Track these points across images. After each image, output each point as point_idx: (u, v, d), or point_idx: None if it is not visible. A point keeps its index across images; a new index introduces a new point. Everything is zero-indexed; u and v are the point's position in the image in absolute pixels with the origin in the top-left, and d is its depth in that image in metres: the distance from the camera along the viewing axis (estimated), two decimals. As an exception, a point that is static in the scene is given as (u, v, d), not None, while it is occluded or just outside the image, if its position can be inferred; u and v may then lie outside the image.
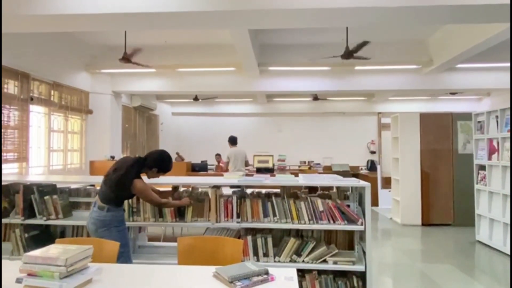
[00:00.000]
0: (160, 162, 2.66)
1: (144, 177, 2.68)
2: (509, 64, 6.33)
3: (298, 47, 6.98)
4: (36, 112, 6.00)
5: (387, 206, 7.58)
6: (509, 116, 4.47)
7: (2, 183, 3.15)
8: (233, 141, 6.82)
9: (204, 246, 2.20)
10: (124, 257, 2.38)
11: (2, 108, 5.10)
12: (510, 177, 4.41)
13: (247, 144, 8.48)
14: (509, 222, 4.45)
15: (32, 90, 5.78)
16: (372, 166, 9.65)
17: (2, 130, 5.08)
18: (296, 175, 3.53)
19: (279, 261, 2.76)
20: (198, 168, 8.30)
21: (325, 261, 2.71)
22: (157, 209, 2.95)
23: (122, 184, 2.51)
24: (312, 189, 3.16)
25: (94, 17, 3.67)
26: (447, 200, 6.24)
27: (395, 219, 6.67)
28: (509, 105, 4.52)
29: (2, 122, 5.08)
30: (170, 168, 2.71)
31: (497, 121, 4.73)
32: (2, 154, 5.07)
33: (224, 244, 2.18)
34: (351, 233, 2.93)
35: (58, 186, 3.22)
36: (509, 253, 4.43)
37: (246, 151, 6.91)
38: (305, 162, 10.39)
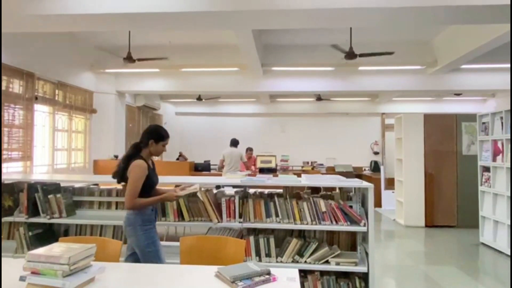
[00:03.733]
0: (153, 131, 2.56)
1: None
2: (513, 65, 6.29)
3: (301, 47, 6.97)
4: (41, 111, 6.04)
5: (390, 207, 7.55)
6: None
7: (7, 182, 3.18)
8: (231, 142, 6.99)
9: (206, 246, 2.20)
10: (151, 256, 2.32)
11: (7, 107, 5.14)
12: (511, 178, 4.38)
13: (250, 144, 8.48)
14: (513, 224, 4.42)
15: (37, 90, 5.82)
16: (375, 167, 9.61)
17: (7, 129, 5.12)
18: (299, 175, 3.53)
19: (281, 262, 2.76)
20: (201, 168, 8.32)
21: (327, 262, 2.70)
22: (160, 208, 2.96)
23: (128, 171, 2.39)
24: (315, 190, 3.15)
25: (98, 17, 3.69)
26: (451, 202, 6.20)
27: (398, 221, 6.64)
28: (514, 107, 4.50)
29: (7, 121, 5.12)
30: (166, 133, 2.59)
31: (502, 122, 4.69)
32: (7, 153, 5.11)
33: (226, 244, 2.19)
34: (353, 234, 2.92)
35: (62, 185, 3.24)
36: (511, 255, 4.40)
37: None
38: (308, 163, 10.38)
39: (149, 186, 2.45)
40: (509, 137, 4.53)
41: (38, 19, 3.76)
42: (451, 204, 6.20)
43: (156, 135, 2.55)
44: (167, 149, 2.65)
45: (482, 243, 5.08)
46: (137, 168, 2.39)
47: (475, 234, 5.30)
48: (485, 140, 5.12)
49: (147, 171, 2.43)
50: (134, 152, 2.49)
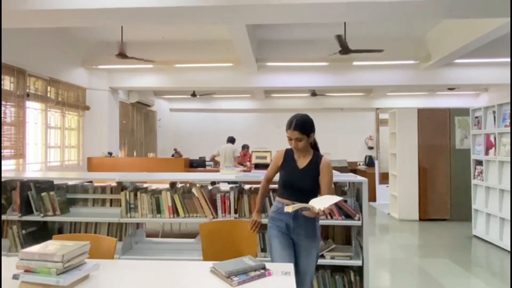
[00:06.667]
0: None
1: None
2: (507, 59, 6.33)
3: (296, 42, 6.95)
4: (33, 109, 5.96)
5: (384, 201, 7.61)
6: (508, 111, 4.47)
7: (-1, 180, 3.14)
8: (228, 139, 7.08)
9: (225, 230, 2.40)
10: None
11: (-2, 105, 5.07)
12: (511, 171, 4.40)
13: (245, 140, 8.49)
14: (505, 217, 4.47)
15: (29, 86, 5.74)
16: (370, 162, 9.67)
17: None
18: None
19: (276, 256, 2.77)
20: (196, 164, 8.31)
21: (322, 256, 2.72)
22: (155, 205, 2.94)
23: None
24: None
25: (89, 12, 3.64)
26: (444, 195, 6.26)
27: (392, 214, 6.69)
28: (506, 100, 4.53)
29: (-2, 118, 5.06)
30: (289, 123, 2.32)
31: (494, 117, 4.74)
32: (-2, 150, 5.05)
33: (240, 227, 2.41)
34: (348, 228, 2.94)
35: (56, 182, 3.21)
36: (505, 247, 4.45)
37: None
38: (303, 158, 10.36)
39: (281, 178, 2.34)
40: (501, 131, 4.57)
41: (28, 14, 3.70)
42: (444, 198, 6.26)
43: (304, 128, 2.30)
44: (295, 144, 2.30)
45: (475, 236, 5.15)
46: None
47: (468, 227, 5.36)
48: (477, 134, 5.17)
49: (280, 161, 2.36)
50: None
